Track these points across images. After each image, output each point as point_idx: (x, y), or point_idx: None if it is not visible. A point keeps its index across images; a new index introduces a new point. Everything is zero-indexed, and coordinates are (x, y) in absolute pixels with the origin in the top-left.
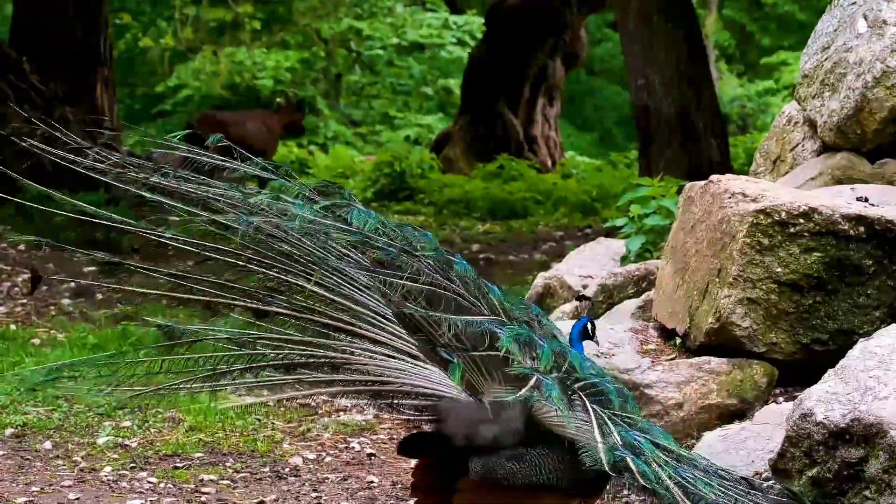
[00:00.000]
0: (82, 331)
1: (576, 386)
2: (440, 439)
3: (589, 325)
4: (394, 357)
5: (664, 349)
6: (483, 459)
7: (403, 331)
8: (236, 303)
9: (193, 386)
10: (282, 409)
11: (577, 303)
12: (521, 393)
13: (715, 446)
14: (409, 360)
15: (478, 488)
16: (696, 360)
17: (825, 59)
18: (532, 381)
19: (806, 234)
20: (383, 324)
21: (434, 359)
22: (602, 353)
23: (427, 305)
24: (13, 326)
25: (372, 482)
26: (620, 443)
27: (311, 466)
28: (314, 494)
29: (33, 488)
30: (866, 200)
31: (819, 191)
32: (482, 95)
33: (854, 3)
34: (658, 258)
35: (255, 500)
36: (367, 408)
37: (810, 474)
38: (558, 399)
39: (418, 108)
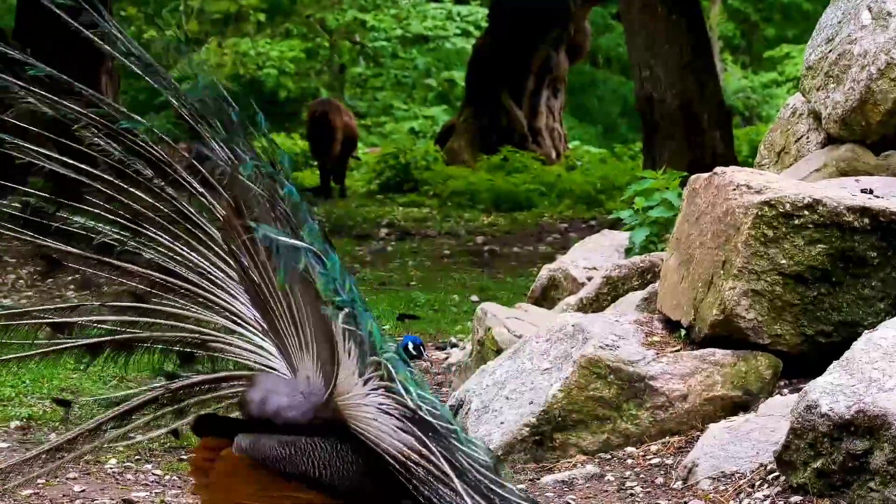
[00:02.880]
0: None
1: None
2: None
3: (411, 345)
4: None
5: (669, 341)
6: (253, 437)
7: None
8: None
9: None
10: None
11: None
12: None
13: (720, 438)
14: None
15: (238, 467)
16: (700, 352)
17: (829, 51)
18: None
19: (810, 225)
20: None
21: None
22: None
23: None
24: None
25: None
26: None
27: None
28: None
29: (38, 480)
30: (871, 192)
31: (823, 182)
32: (486, 87)
33: None
34: (663, 250)
35: None
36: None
37: (815, 466)
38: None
39: (422, 100)
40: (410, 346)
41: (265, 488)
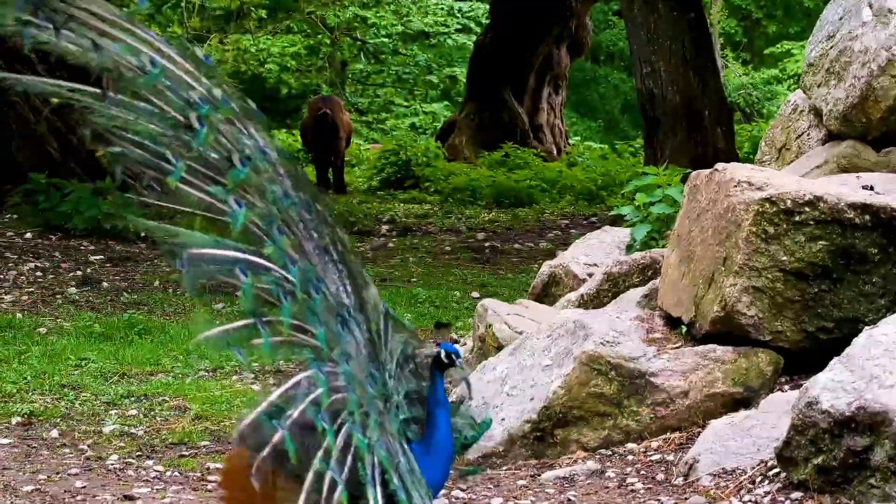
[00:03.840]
0: (88, 319)
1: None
2: None
3: (444, 354)
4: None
5: (670, 337)
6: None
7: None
8: None
9: None
10: None
11: (435, 330)
12: None
13: (721, 434)
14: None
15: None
16: (701, 348)
17: (830, 48)
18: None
19: (811, 222)
20: None
21: None
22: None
23: None
24: (19, 315)
25: None
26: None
27: None
28: None
29: (40, 476)
30: (871, 189)
31: (824, 179)
32: (487, 84)
33: None
34: (663, 247)
35: None
36: None
37: (816, 462)
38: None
39: (423, 97)
40: (443, 354)
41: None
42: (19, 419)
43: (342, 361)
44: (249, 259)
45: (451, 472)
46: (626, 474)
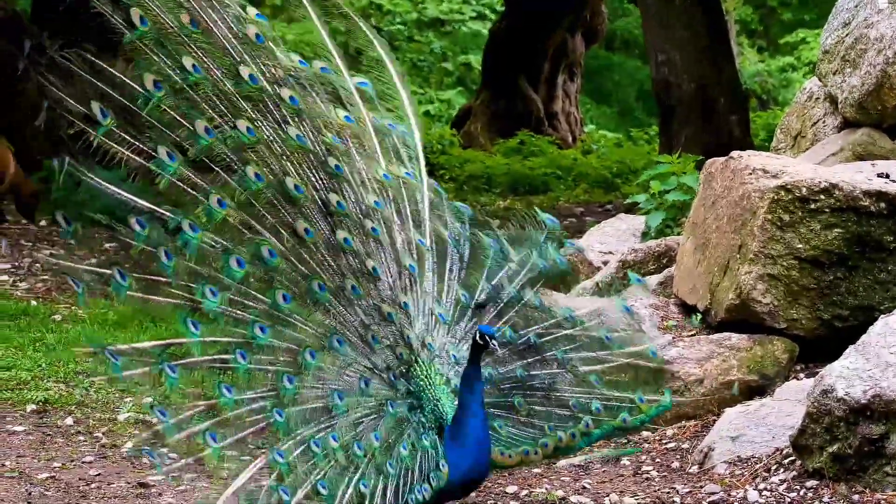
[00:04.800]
0: (103, 307)
1: None
2: None
3: (478, 335)
4: None
5: (685, 325)
6: None
7: None
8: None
9: None
10: None
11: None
12: None
13: (736, 422)
14: None
15: None
16: (716, 336)
17: (846, 35)
18: None
19: (827, 210)
20: None
21: None
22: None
23: None
24: (34, 302)
25: None
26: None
27: None
28: None
29: (55, 464)
30: (887, 176)
31: (840, 167)
32: (503, 71)
33: None
34: (678, 234)
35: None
36: None
37: (831, 450)
38: None
39: (439, 84)
40: (477, 335)
41: None
42: (34, 406)
43: (263, 328)
44: (146, 206)
45: (488, 456)
46: (641, 462)
